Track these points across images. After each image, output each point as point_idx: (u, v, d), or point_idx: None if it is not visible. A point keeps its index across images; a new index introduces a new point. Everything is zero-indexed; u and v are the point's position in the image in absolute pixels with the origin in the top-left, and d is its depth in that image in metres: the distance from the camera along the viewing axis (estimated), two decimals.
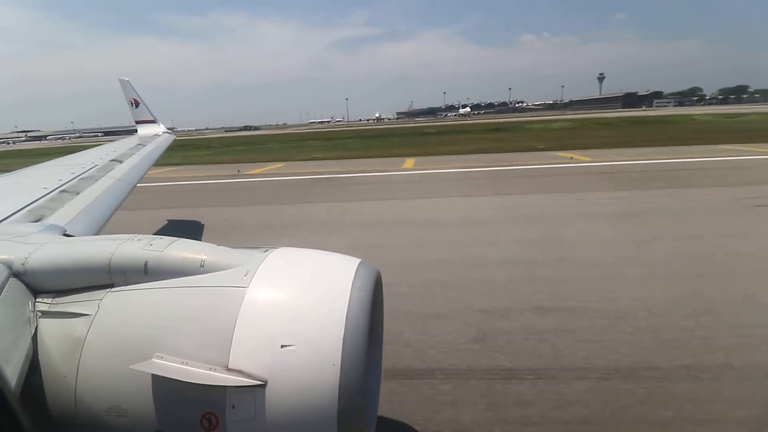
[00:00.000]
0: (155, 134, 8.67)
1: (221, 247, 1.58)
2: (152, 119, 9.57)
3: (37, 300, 1.48)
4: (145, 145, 6.58)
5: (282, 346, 1.29)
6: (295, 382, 1.27)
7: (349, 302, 1.37)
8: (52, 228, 2.17)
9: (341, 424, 1.27)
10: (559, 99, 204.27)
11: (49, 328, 1.42)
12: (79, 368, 1.35)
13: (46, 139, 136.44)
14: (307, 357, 1.28)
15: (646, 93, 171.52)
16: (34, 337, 1.39)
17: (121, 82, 9.67)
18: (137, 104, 9.61)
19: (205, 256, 1.48)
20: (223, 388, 1.26)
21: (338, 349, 1.29)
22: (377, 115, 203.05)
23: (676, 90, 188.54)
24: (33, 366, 1.36)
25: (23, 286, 1.49)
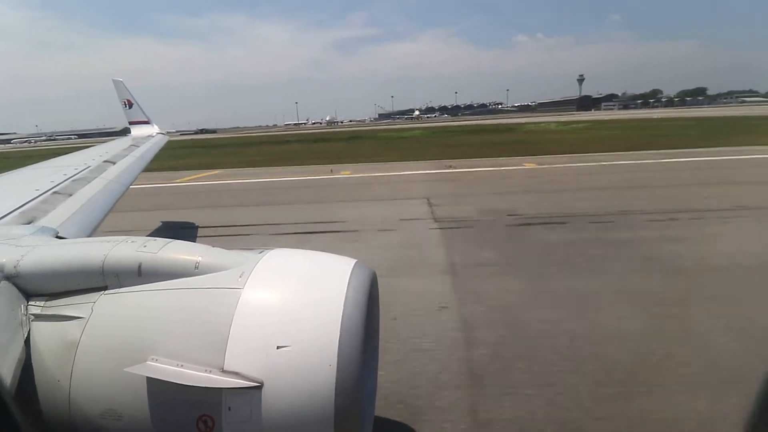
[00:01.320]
0: (149, 135, 8.61)
1: (216, 248, 1.57)
2: (146, 120, 9.49)
3: (29, 303, 1.46)
4: (138, 146, 6.53)
5: (278, 348, 1.28)
6: (291, 383, 1.27)
7: (345, 303, 1.37)
8: (45, 230, 2.15)
9: (338, 425, 1.27)
10: (533, 102, 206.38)
11: (42, 332, 1.40)
12: (72, 372, 1.34)
13: (10, 143, 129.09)
14: (303, 358, 1.28)
15: (599, 96, 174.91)
16: (27, 341, 1.38)
17: (115, 82, 9.58)
18: (130, 105, 9.53)
19: (199, 258, 1.48)
20: (218, 390, 1.25)
21: (334, 349, 1.28)
22: (327, 118, 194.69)
23: (639, 92, 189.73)
24: (26, 370, 1.34)
25: (15, 289, 1.47)
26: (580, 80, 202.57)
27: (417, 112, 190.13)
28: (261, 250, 1.59)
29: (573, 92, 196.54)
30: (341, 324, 1.32)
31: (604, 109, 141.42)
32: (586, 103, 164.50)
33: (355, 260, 1.58)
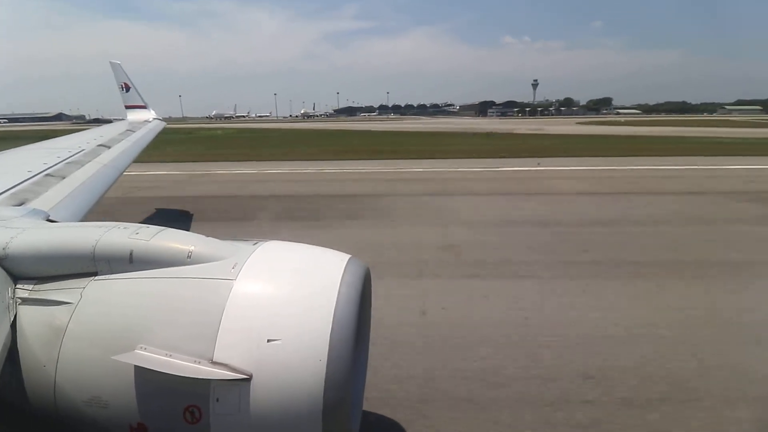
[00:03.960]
0: (145, 120, 8.53)
1: (209, 238, 1.56)
2: (143, 104, 9.40)
3: (17, 286, 1.44)
4: (134, 131, 6.47)
5: (268, 341, 1.27)
6: (281, 376, 1.26)
7: (338, 298, 1.36)
8: (35, 213, 2.12)
9: (326, 419, 1.27)
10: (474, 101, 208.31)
11: (28, 316, 1.38)
12: (59, 358, 1.32)
13: None
14: (293, 352, 1.27)
15: (498, 103, 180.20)
16: (13, 325, 1.36)
17: (112, 65, 9.45)
18: (128, 88, 9.42)
19: (192, 247, 1.46)
20: (207, 381, 1.24)
21: (325, 344, 1.28)
22: (214, 112, 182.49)
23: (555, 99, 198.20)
24: (11, 354, 1.32)
25: (3, 272, 1.45)
26: (534, 85, 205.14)
27: (303, 110, 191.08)
28: (255, 242, 1.57)
29: (529, 96, 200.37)
30: (333, 319, 1.31)
31: (489, 116, 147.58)
32: (485, 108, 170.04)
33: (349, 255, 1.56)
